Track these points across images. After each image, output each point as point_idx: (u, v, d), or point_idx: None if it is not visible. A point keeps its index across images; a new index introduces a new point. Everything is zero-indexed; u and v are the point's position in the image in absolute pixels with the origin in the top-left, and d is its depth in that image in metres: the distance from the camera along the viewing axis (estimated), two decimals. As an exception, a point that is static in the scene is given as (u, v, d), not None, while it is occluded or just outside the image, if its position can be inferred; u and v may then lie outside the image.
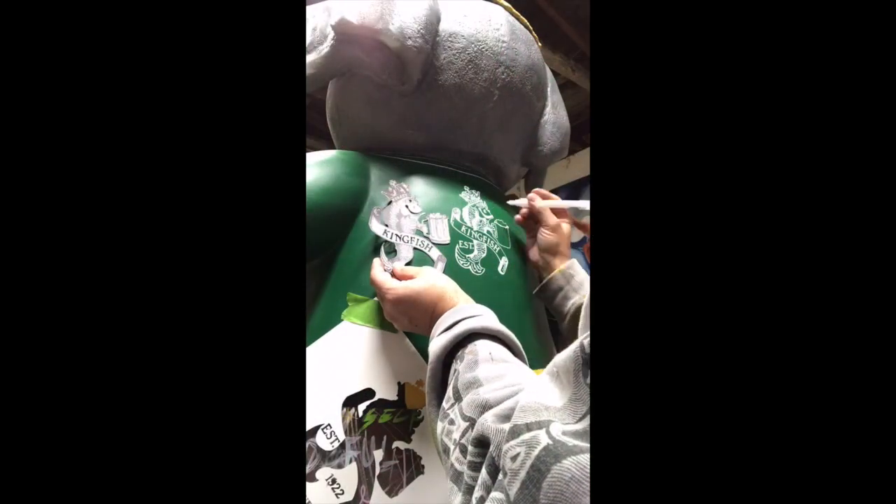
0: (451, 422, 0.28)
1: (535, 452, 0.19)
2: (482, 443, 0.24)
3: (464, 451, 0.25)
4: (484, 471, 0.22)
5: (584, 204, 0.54)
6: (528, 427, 0.20)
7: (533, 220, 0.54)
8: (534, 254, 0.53)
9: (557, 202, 0.54)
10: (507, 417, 0.24)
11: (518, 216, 0.55)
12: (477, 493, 0.22)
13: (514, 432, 0.21)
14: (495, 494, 0.20)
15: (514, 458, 0.20)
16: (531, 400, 0.22)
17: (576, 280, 0.50)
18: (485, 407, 0.26)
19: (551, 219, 0.52)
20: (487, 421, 0.24)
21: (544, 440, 0.19)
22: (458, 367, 0.31)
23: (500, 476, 0.21)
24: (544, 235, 0.52)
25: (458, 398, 0.29)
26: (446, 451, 0.28)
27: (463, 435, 0.26)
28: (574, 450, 0.18)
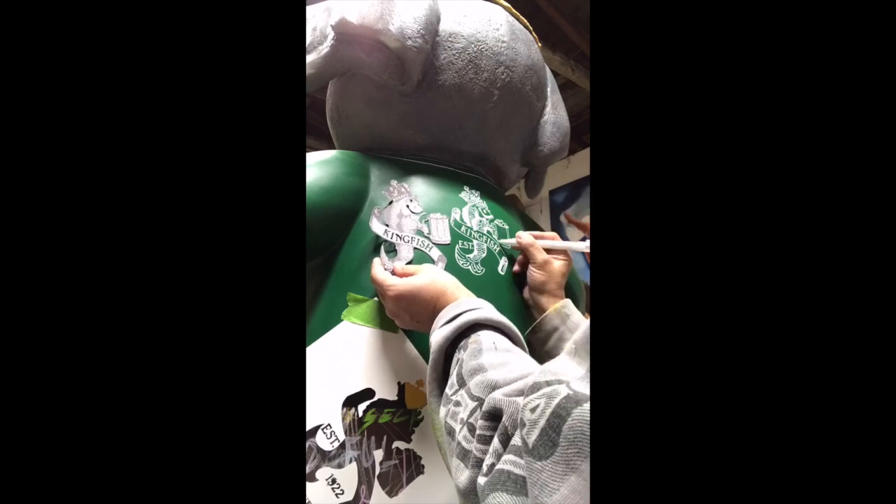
0: (457, 403, 0.29)
1: (556, 401, 0.19)
2: (494, 416, 0.24)
3: (472, 429, 0.26)
4: (495, 440, 0.23)
5: (582, 246, 0.49)
6: (549, 383, 0.21)
7: (523, 257, 0.51)
8: (525, 293, 0.51)
9: (551, 243, 0.50)
10: (517, 394, 0.24)
11: (515, 267, 0.52)
12: (488, 461, 0.23)
13: (534, 388, 0.21)
14: (508, 457, 0.21)
15: (533, 410, 0.20)
16: (550, 366, 0.22)
17: (572, 321, 0.46)
18: (494, 387, 0.27)
19: (539, 255, 0.49)
20: (498, 396, 0.25)
21: (564, 391, 0.19)
22: (462, 355, 0.31)
23: (516, 435, 0.21)
24: (532, 273, 0.49)
25: (462, 384, 0.29)
26: (450, 432, 0.28)
27: (471, 414, 0.27)
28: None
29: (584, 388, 0.19)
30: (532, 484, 0.18)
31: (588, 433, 0.17)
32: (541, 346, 0.47)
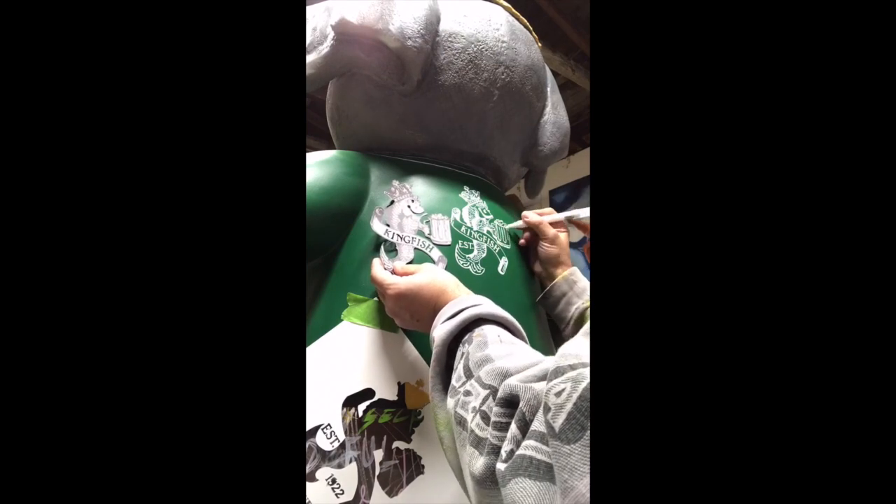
0: (468, 393, 0.29)
1: (583, 385, 0.19)
2: (510, 403, 0.25)
3: (485, 416, 0.26)
4: (513, 426, 0.23)
5: (580, 212, 0.54)
6: (573, 367, 0.21)
7: (531, 234, 0.55)
8: (536, 267, 0.54)
9: (553, 216, 0.54)
10: (531, 381, 0.25)
11: (521, 241, 0.56)
12: (507, 447, 0.23)
13: (558, 372, 0.21)
14: (528, 443, 0.21)
15: (558, 394, 0.20)
16: (571, 350, 0.22)
17: (578, 286, 0.50)
18: (506, 374, 0.27)
19: (549, 230, 0.53)
20: (513, 382, 0.25)
21: (590, 376, 0.20)
22: (467, 349, 0.32)
23: (538, 420, 0.21)
24: (544, 248, 0.53)
25: (469, 375, 0.30)
26: (461, 422, 0.28)
27: (483, 402, 0.27)
28: None
29: None
30: (560, 468, 0.18)
31: None
32: (551, 311, 0.52)
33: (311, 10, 0.53)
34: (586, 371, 0.20)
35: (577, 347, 0.22)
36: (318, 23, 0.52)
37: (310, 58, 0.51)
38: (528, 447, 0.21)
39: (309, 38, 0.52)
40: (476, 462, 0.25)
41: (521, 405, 0.23)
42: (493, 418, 0.25)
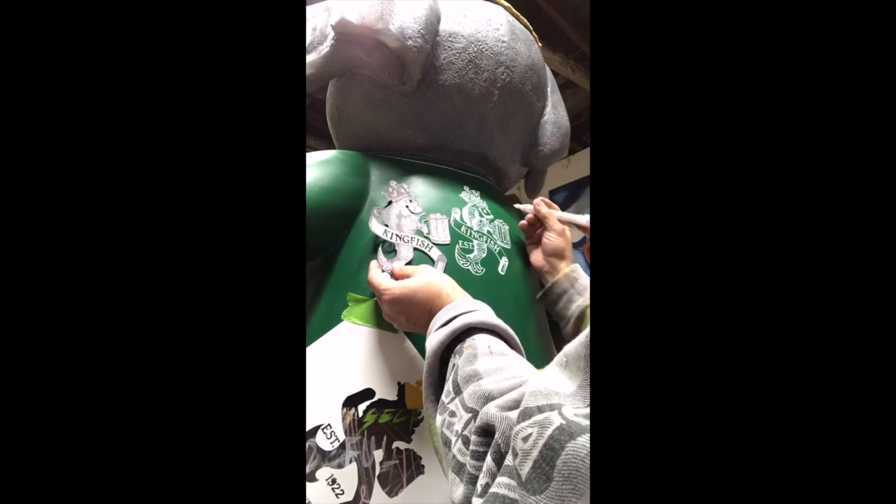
0: (453, 414, 0.28)
1: (549, 432, 0.19)
2: (487, 432, 0.24)
3: (466, 442, 0.25)
4: (489, 458, 0.22)
5: (584, 219, 0.54)
6: (540, 409, 0.20)
7: (537, 224, 0.55)
8: (537, 258, 0.53)
9: (560, 214, 0.55)
10: (511, 407, 0.24)
11: (523, 221, 0.56)
12: (482, 480, 0.22)
13: (526, 414, 0.20)
14: (501, 479, 0.20)
15: (525, 439, 0.19)
16: (541, 386, 0.22)
17: (580, 283, 0.50)
18: (487, 398, 0.26)
19: (557, 223, 0.53)
20: (491, 410, 0.24)
21: (557, 420, 0.19)
22: (457, 361, 0.31)
23: (509, 459, 0.20)
24: (551, 240, 0.52)
25: (457, 391, 0.29)
26: (447, 443, 0.28)
27: (465, 426, 0.26)
28: (588, 428, 0.18)
29: (577, 412, 0.19)
30: None
31: (583, 470, 0.17)
32: (551, 308, 0.52)
33: (311, 10, 0.53)
34: (553, 416, 0.19)
35: (550, 382, 0.22)
36: (318, 23, 0.52)
37: (310, 58, 0.51)
38: (501, 485, 0.20)
39: (309, 38, 0.52)
40: (456, 490, 0.24)
41: (496, 436, 0.22)
42: (471, 446, 0.24)
